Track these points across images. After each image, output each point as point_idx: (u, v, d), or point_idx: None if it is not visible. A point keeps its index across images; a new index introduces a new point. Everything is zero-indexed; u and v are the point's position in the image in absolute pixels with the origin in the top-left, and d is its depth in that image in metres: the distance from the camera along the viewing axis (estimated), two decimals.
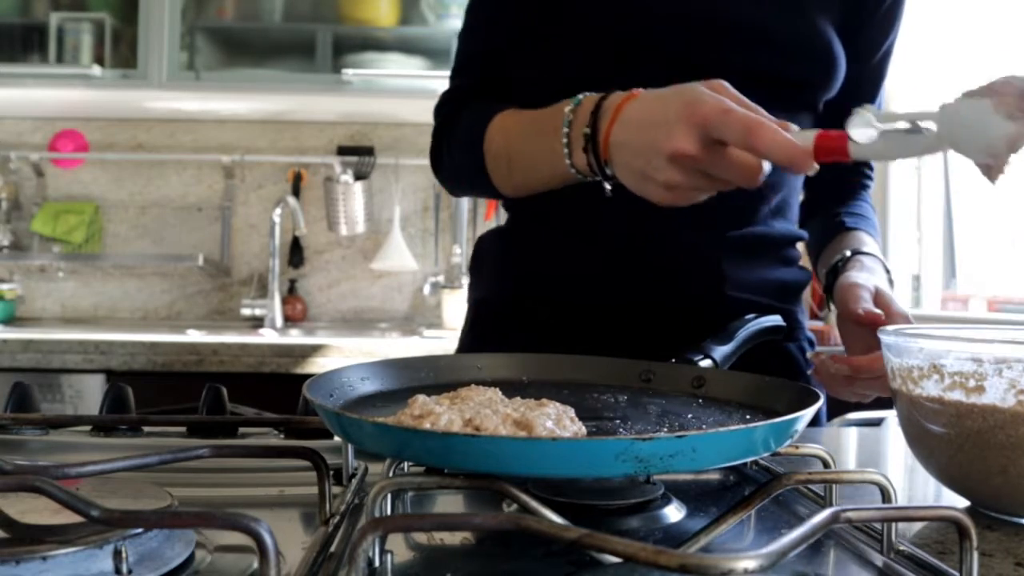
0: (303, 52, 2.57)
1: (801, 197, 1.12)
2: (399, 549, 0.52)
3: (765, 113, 0.65)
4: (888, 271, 0.97)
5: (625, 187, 0.73)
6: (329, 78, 2.50)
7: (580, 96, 0.76)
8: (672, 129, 0.64)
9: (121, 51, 2.54)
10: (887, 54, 1.05)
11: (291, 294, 2.80)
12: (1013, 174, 0.60)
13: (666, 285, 0.94)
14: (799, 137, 0.63)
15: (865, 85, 1.04)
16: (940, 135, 0.59)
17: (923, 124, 0.60)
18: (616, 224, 0.94)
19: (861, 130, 0.61)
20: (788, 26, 0.93)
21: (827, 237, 1.04)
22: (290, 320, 2.74)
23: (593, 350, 0.80)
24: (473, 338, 1.11)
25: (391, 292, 2.85)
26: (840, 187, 1.09)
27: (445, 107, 1.03)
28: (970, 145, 0.59)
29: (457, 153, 0.98)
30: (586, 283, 0.97)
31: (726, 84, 0.67)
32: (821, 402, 0.58)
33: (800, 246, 1.08)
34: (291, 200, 2.64)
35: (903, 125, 0.61)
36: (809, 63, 0.95)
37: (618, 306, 0.96)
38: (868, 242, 0.99)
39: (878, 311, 0.81)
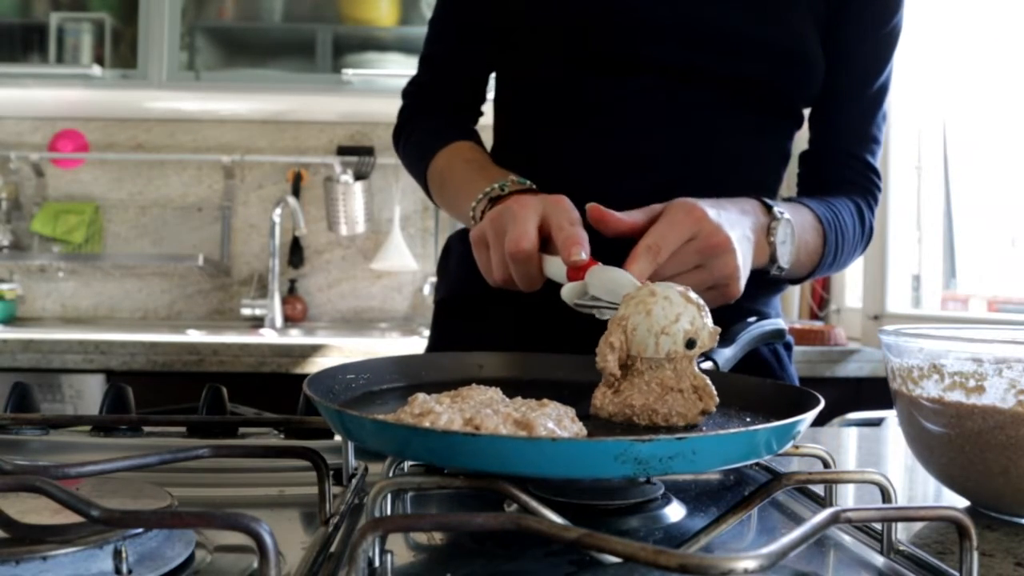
0: (303, 52, 2.57)
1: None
2: (399, 549, 0.52)
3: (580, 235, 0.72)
4: (768, 206, 0.83)
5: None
6: (329, 78, 2.50)
7: (505, 182, 0.86)
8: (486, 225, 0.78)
9: (121, 51, 2.54)
10: (883, 43, 1.00)
11: (291, 294, 2.80)
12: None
13: None
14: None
15: (856, 72, 1.00)
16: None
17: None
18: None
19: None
20: (761, 30, 0.93)
21: None
22: (290, 320, 2.74)
23: (557, 352, 0.81)
24: (437, 338, 1.12)
25: (391, 292, 2.85)
26: (832, 185, 1.02)
27: (410, 97, 1.12)
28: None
29: (411, 152, 1.08)
30: (549, 288, 0.96)
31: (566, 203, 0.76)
32: (821, 405, 0.58)
33: None
34: (291, 200, 2.64)
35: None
36: (781, 66, 0.94)
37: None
38: (780, 201, 0.88)
39: (609, 211, 0.72)
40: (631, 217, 0.72)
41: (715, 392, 0.62)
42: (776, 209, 0.83)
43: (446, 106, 1.10)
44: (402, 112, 1.12)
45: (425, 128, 1.07)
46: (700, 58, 0.93)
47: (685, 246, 0.70)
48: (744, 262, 0.74)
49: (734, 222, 0.75)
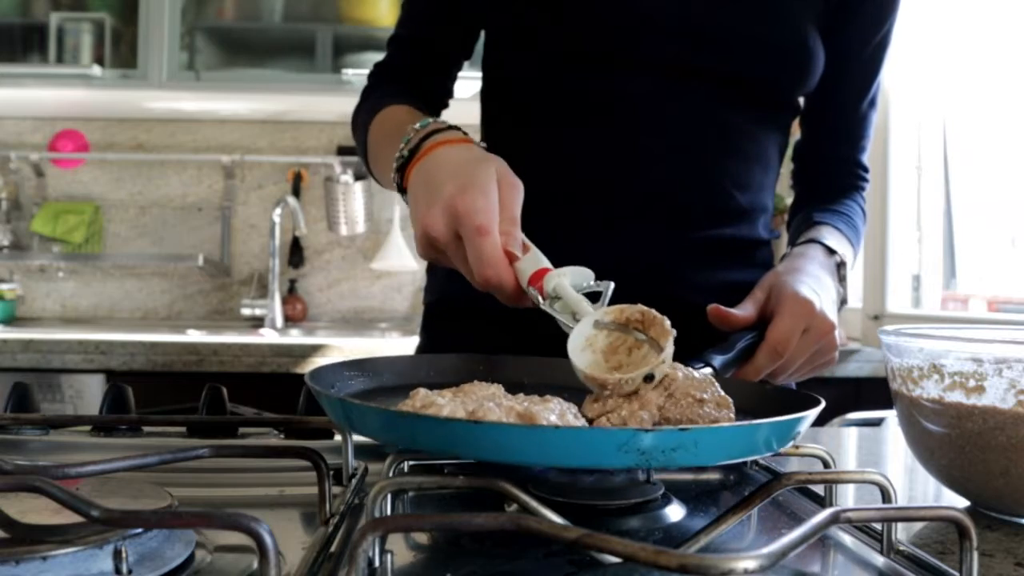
0: (303, 52, 2.57)
1: (790, 199, 1.12)
2: (399, 549, 0.52)
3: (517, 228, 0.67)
4: (833, 252, 0.93)
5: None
6: (329, 78, 2.49)
7: (428, 120, 0.79)
8: (433, 207, 0.67)
9: (121, 51, 2.54)
10: (879, 48, 1.02)
11: (291, 294, 2.80)
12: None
13: (622, 290, 0.82)
14: (529, 263, 0.66)
15: (854, 80, 1.02)
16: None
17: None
18: (575, 226, 0.93)
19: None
20: (762, 27, 0.93)
21: (795, 236, 1.00)
22: (290, 320, 2.74)
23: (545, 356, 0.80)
24: (427, 341, 1.10)
25: (391, 292, 2.85)
26: (829, 187, 1.06)
27: (371, 79, 1.07)
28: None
29: (359, 128, 1.01)
30: None
31: (518, 187, 0.70)
32: (822, 406, 0.57)
33: (774, 247, 1.07)
34: (291, 200, 2.64)
35: (568, 312, 0.64)
36: (783, 63, 0.94)
37: None
38: (826, 233, 0.95)
39: (729, 311, 0.78)
40: (745, 312, 0.80)
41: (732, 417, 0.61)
42: (838, 256, 0.93)
43: (410, 80, 1.05)
44: (363, 94, 1.05)
45: (368, 106, 0.99)
46: (699, 56, 0.93)
47: (802, 337, 0.78)
48: (838, 331, 0.83)
49: (826, 298, 0.82)
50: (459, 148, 0.74)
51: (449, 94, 1.09)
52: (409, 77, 1.05)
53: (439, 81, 1.08)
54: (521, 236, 0.68)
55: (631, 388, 0.59)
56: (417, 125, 0.78)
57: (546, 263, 0.66)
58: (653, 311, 0.63)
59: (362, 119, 0.99)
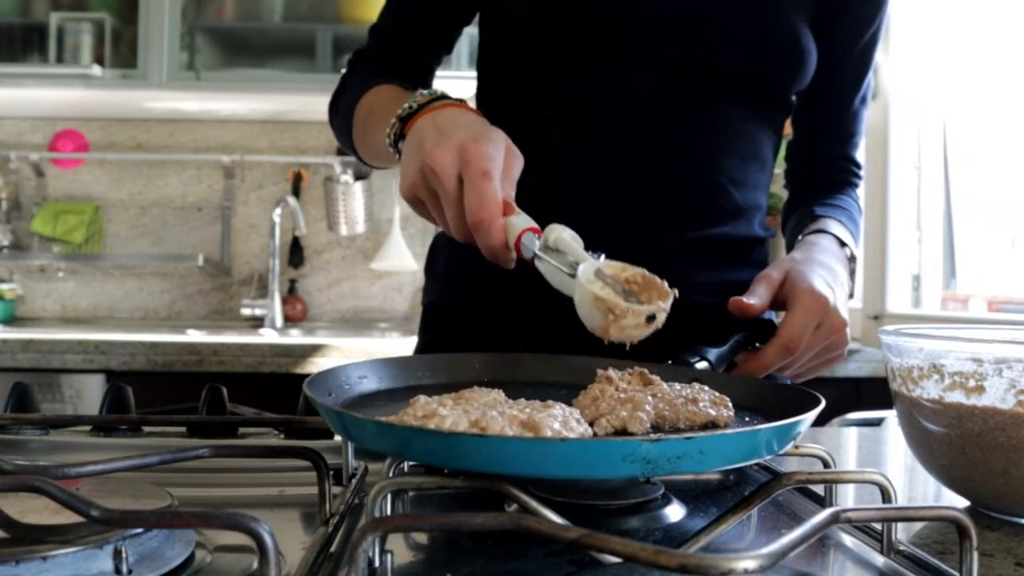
0: (303, 52, 2.57)
1: (785, 196, 1.13)
2: (399, 549, 0.52)
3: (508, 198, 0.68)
4: (844, 244, 0.96)
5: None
6: (329, 78, 2.49)
7: (437, 90, 0.81)
8: (441, 146, 0.69)
9: (121, 51, 2.54)
10: (870, 44, 1.03)
11: (291, 294, 2.80)
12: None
13: None
14: (519, 223, 0.67)
15: (846, 77, 1.03)
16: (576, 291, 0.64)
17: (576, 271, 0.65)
18: (572, 226, 0.93)
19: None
20: (755, 23, 0.93)
21: (798, 230, 1.02)
22: (290, 320, 2.74)
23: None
24: (425, 343, 1.09)
25: (391, 292, 2.85)
26: (823, 184, 1.07)
27: (351, 66, 1.07)
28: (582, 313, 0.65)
29: (341, 110, 1.02)
30: (539, 288, 0.94)
31: (520, 158, 0.72)
32: (822, 405, 0.57)
33: (769, 246, 1.07)
34: (291, 200, 2.64)
35: (565, 263, 0.66)
36: (777, 58, 0.95)
37: (570, 310, 0.93)
38: (832, 225, 0.97)
39: (749, 301, 0.80)
40: (761, 301, 0.81)
41: (731, 415, 0.61)
42: (848, 249, 0.96)
43: (390, 71, 1.04)
44: (341, 80, 1.06)
45: (350, 88, 1.01)
46: (695, 52, 0.93)
47: (813, 334, 0.80)
48: (849, 326, 0.85)
49: (840, 293, 0.84)
50: (471, 113, 0.77)
51: (427, 87, 1.09)
52: (389, 68, 1.05)
53: (418, 74, 1.07)
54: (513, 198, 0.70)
55: (633, 322, 0.62)
56: (425, 92, 0.80)
57: (535, 225, 0.68)
58: (655, 276, 0.64)
59: (346, 99, 1.00)
